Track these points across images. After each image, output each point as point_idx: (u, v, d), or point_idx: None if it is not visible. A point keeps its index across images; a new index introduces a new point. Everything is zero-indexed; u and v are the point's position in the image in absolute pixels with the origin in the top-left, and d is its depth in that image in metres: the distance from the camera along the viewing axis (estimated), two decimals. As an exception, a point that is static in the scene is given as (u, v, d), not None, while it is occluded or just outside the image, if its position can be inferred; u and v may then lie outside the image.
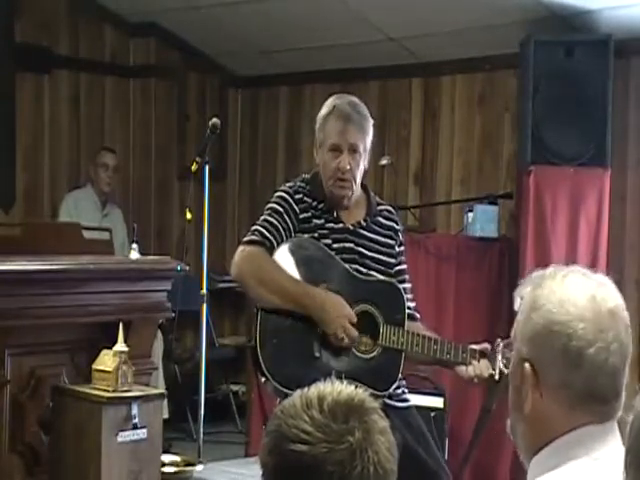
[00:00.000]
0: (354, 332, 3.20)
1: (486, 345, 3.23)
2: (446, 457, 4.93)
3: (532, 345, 1.58)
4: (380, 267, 3.36)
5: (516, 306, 1.66)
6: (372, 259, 3.35)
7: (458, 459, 5.10)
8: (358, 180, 3.34)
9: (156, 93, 7.22)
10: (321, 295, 3.22)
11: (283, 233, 3.27)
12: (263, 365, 3.19)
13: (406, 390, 3.40)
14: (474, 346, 3.24)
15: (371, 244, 3.37)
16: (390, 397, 3.26)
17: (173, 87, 7.31)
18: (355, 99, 3.39)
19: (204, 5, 6.47)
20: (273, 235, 3.26)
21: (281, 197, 3.34)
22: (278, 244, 3.26)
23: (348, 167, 3.28)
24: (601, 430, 1.57)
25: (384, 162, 5.95)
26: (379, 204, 3.47)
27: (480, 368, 3.18)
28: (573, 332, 1.55)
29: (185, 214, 5.29)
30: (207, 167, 5.04)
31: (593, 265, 5.23)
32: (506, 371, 1.72)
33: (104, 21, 6.99)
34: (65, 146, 6.81)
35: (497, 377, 3.06)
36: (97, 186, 6.43)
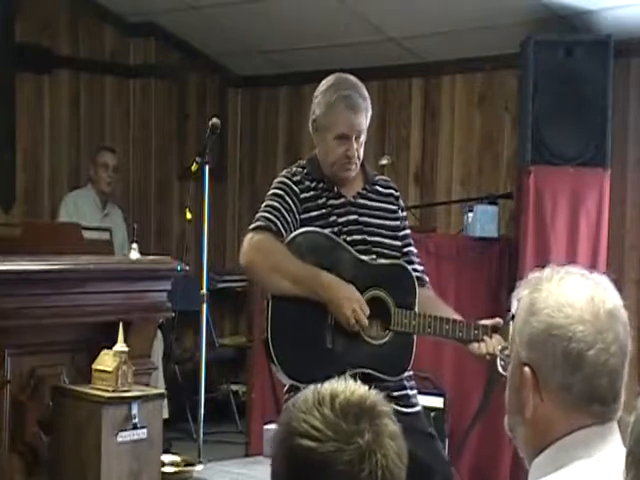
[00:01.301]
0: (364, 319, 3.19)
1: (498, 320, 3.21)
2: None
3: (531, 349, 1.57)
4: (387, 232, 3.38)
5: (513, 309, 1.66)
6: (377, 226, 3.37)
7: (458, 459, 5.10)
8: (361, 157, 3.37)
9: (156, 93, 7.22)
10: (332, 280, 3.20)
11: (287, 215, 3.27)
12: (274, 355, 3.19)
13: (415, 392, 3.38)
14: (486, 321, 3.24)
15: (373, 211, 3.39)
16: (398, 402, 3.22)
17: (173, 87, 7.31)
18: (355, 80, 3.40)
19: (204, 5, 6.47)
20: (277, 218, 3.26)
21: (280, 181, 3.35)
22: (283, 226, 3.26)
23: (356, 154, 3.32)
24: (602, 431, 1.57)
25: (384, 162, 5.94)
26: (375, 175, 3.50)
27: (492, 345, 3.17)
28: (573, 335, 1.55)
29: (185, 214, 5.29)
30: (207, 167, 5.05)
31: (593, 265, 5.22)
32: (504, 373, 1.70)
33: (104, 21, 6.99)
34: (65, 146, 6.81)
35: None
36: (97, 186, 6.43)
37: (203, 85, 7.50)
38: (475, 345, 3.21)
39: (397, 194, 3.49)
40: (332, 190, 3.35)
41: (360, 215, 3.36)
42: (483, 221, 5.63)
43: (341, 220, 3.32)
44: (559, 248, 5.26)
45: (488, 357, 3.19)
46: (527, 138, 5.30)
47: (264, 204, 3.32)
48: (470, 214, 5.69)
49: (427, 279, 3.47)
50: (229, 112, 7.58)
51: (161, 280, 3.95)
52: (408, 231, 3.48)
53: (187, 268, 4.57)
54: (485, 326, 3.22)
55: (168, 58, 7.26)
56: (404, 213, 3.50)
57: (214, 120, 5.05)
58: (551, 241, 5.28)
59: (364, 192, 3.40)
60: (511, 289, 1.72)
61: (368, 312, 3.21)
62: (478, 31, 5.85)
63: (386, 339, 3.26)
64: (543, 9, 5.42)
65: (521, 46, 5.44)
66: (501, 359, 1.72)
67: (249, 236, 3.28)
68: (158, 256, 4.40)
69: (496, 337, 3.18)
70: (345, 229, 3.31)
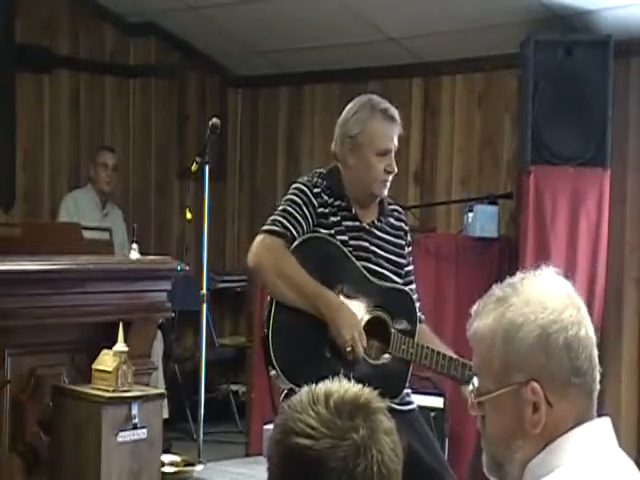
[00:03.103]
0: (360, 350, 3.19)
1: None
2: (446, 457, 4.93)
3: (529, 361, 1.55)
4: (392, 267, 3.37)
5: (472, 342, 1.64)
6: (385, 259, 3.36)
7: (458, 459, 5.10)
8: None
9: (156, 93, 7.22)
10: (336, 302, 3.20)
11: (304, 224, 3.24)
12: (273, 357, 3.18)
13: (410, 392, 3.40)
14: None
15: (384, 244, 3.38)
16: (392, 400, 3.23)
17: (173, 87, 7.31)
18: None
19: (204, 5, 6.48)
20: (293, 226, 3.22)
21: (300, 189, 3.30)
22: (298, 235, 3.23)
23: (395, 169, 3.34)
24: (599, 428, 1.57)
25: (384, 162, 5.93)
26: (389, 203, 3.47)
27: None
28: (567, 322, 1.56)
29: (185, 214, 5.29)
30: (207, 167, 5.05)
31: (593, 265, 5.23)
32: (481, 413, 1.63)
33: (104, 21, 6.99)
34: (65, 146, 6.81)
35: None
36: (97, 186, 6.43)
37: (203, 85, 7.50)
38: (465, 388, 3.22)
39: (407, 228, 3.49)
40: (350, 211, 3.32)
41: (371, 244, 3.34)
42: (483, 221, 5.63)
43: (352, 243, 3.30)
44: (559, 248, 5.26)
45: None
46: (527, 138, 5.30)
47: (280, 208, 3.28)
48: (470, 214, 5.69)
49: (423, 317, 3.46)
50: (229, 112, 7.57)
51: (161, 280, 3.95)
52: (412, 267, 3.48)
53: (187, 268, 4.58)
54: None
55: (168, 58, 7.26)
56: (410, 248, 3.49)
57: (214, 120, 5.05)
58: (551, 241, 5.28)
59: (379, 223, 3.38)
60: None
61: (365, 344, 3.21)
62: (478, 31, 5.85)
63: (384, 361, 3.28)
64: (543, 9, 5.42)
65: (521, 46, 5.45)
66: (472, 403, 1.64)
67: (261, 237, 3.25)
68: (158, 256, 4.41)
69: None
70: (355, 253, 3.30)
